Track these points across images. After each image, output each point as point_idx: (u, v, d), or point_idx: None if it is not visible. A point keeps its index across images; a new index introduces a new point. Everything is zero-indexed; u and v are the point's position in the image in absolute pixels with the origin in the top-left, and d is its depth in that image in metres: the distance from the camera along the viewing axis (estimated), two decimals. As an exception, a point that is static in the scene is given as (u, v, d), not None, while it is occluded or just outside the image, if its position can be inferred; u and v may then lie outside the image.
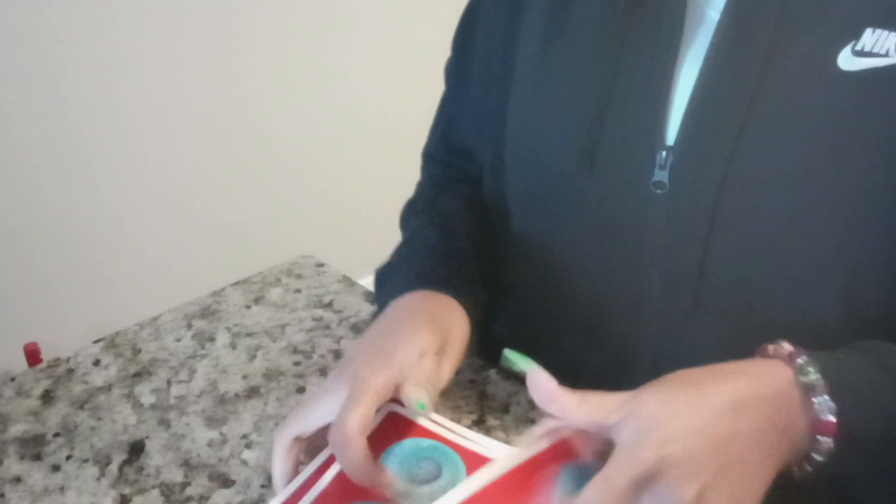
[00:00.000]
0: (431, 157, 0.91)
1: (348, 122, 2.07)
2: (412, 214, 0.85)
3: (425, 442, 0.60)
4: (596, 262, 0.71)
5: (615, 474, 0.47)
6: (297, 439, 0.60)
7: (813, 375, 0.52)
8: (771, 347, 0.56)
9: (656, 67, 0.65)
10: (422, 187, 0.90)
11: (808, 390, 0.52)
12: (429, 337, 0.63)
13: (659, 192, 0.65)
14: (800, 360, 0.53)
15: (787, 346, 0.55)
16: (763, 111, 0.61)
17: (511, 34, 0.75)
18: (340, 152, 2.09)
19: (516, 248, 0.78)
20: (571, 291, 0.73)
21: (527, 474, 0.54)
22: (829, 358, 0.54)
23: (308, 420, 0.59)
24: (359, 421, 0.55)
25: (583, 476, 0.54)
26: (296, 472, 0.60)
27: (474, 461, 0.59)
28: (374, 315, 0.69)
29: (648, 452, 0.48)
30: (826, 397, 0.52)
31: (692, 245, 0.64)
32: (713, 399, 0.50)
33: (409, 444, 0.60)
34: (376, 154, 2.13)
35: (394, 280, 0.72)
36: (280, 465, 0.59)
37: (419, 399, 0.58)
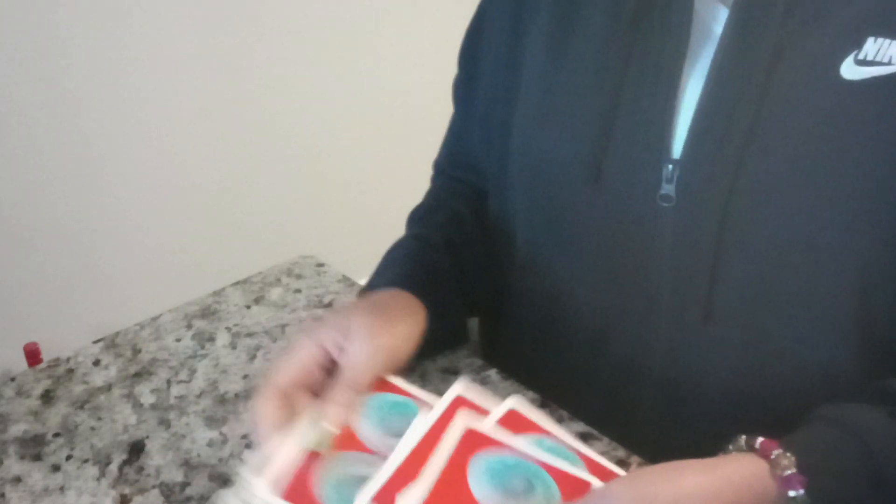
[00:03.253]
0: (440, 170, 0.92)
1: (349, 123, 2.07)
2: (411, 222, 0.85)
3: (511, 460, 0.59)
4: (603, 273, 0.71)
5: None
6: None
7: (790, 469, 0.53)
8: (743, 438, 0.56)
9: (661, 81, 0.65)
10: (427, 197, 0.90)
11: (785, 483, 0.53)
12: (361, 316, 0.64)
13: (666, 205, 0.65)
14: (777, 451, 0.53)
15: (757, 440, 0.55)
16: (768, 122, 0.61)
17: (515, 47, 0.75)
18: (341, 152, 2.09)
19: (522, 259, 0.78)
20: (579, 301, 0.73)
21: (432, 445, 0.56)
22: (805, 448, 0.54)
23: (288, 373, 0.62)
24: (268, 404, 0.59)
25: (496, 468, 0.55)
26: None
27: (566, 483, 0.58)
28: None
29: None
30: (801, 491, 0.52)
31: (702, 256, 0.64)
32: (686, 486, 0.52)
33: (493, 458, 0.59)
34: (377, 154, 2.13)
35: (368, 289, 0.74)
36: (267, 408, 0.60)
37: (312, 439, 0.59)
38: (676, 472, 0.53)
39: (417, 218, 0.85)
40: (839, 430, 0.56)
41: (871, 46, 0.58)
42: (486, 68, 0.80)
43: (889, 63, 0.58)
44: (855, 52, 0.59)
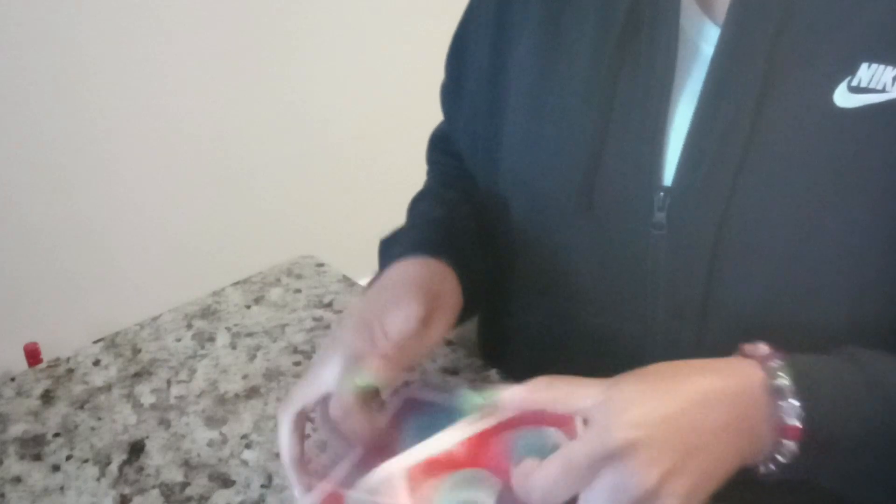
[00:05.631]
0: (437, 162, 0.90)
1: (348, 122, 2.07)
2: (420, 201, 0.83)
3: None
4: (597, 297, 0.70)
5: (578, 450, 0.48)
6: (302, 414, 0.60)
7: (783, 380, 0.52)
8: (748, 347, 0.55)
9: (650, 105, 0.64)
10: (430, 183, 0.89)
11: (776, 393, 0.52)
12: (415, 306, 0.62)
13: (658, 232, 0.64)
14: (772, 364, 0.53)
15: (762, 348, 0.54)
16: (760, 150, 0.60)
17: (499, 64, 0.74)
18: (341, 152, 2.10)
19: (520, 271, 0.77)
20: (575, 321, 0.72)
21: (486, 436, 0.55)
22: (804, 362, 0.53)
23: (308, 392, 0.60)
24: (353, 393, 0.58)
25: (539, 443, 0.54)
26: (302, 446, 0.60)
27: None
28: (371, 282, 0.70)
29: (617, 433, 0.48)
30: (793, 401, 0.51)
31: (694, 283, 0.64)
32: (684, 390, 0.51)
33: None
34: (376, 154, 2.13)
35: (393, 248, 0.72)
36: (286, 440, 0.60)
37: (358, 381, 0.58)
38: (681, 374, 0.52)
39: (428, 198, 0.83)
40: (833, 354, 0.56)
41: (865, 72, 0.57)
42: (471, 77, 0.79)
43: (883, 90, 0.57)
44: (848, 78, 0.58)
